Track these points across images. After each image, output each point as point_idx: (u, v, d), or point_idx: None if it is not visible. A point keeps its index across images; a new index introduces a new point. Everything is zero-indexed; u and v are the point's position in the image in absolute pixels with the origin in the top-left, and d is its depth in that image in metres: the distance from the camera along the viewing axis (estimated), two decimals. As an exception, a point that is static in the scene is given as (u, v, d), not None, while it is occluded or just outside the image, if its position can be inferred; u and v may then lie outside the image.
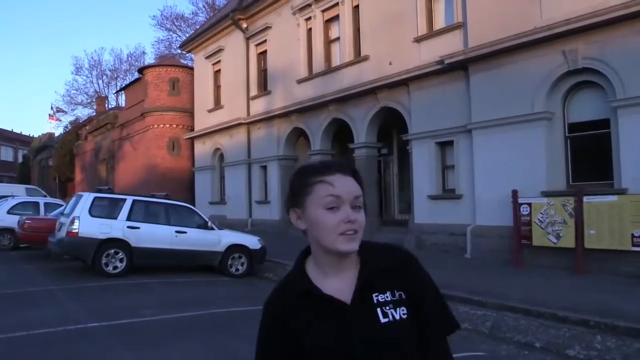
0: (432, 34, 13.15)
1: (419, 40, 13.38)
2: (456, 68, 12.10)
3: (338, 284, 1.34)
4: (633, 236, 8.58)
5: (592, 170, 10.10)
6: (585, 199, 9.25)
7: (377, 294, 1.33)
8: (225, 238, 11.55)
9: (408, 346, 1.31)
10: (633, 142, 8.97)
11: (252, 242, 11.71)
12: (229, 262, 11.37)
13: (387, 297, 1.33)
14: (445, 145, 12.88)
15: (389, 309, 1.31)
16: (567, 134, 10.39)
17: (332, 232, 1.30)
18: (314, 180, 1.33)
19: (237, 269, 11.40)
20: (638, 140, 8.90)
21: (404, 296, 1.34)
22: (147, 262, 10.95)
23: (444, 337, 1.37)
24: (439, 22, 13.27)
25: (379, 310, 1.31)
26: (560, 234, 9.60)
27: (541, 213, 9.91)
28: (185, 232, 11.12)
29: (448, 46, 12.33)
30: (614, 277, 8.71)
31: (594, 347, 5.63)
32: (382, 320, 1.30)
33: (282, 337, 1.34)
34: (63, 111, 47.42)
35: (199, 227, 11.37)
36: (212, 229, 11.50)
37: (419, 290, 1.36)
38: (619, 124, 9.22)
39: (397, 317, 1.31)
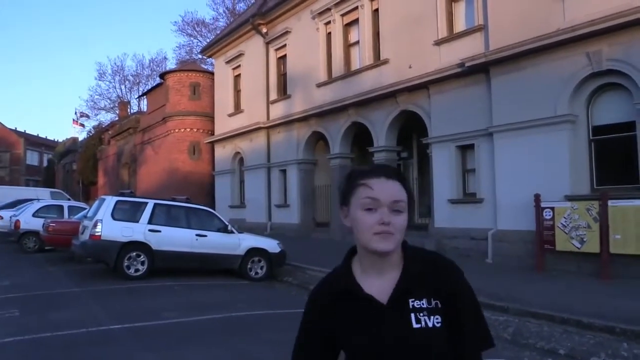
0: (452, 36, 13.06)
1: (439, 43, 13.30)
2: (477, 71, 11.99)
3: (379, 284, 1.41)
4: (660, 241, 8.38)
5: (617, 173, 9.90)
6: (610, 203, 9.07)
7: (413, 299, 1.38)
8: (245, 241, 11.59)
9: (438, 354, 1.35)
10: (660, 145, 8.78)
11: (272, 245, 11.73)
12: (249, 266, 11.40)
13: (423, 304, 1.38)
14: (466, 149, 12.76)
15: (422, 316, 1.36)
16: (591, 137, 10.21)
17: (368, 231, 1.38)
18: (358, 183, 1.42)
19: (256, 273, 11.43)
20: (665, 143, 8.70)
21: (439, 305, 1.38)
22: (168, 265, 11.04)
23: (477, 352, 1.41)
24: (460, 25, 13.17)
25: (412, 315, 1.36)
26: (584, 239, 9.43)
27: (564, 217, 9.75)
28: (205, 236, 11.19)
29: (469, 49, 12.23)
30: (640, 283, 8.51)
31: (620, 354, 5.50)
32: (415, 325, 1.35)
33: (321, 329, 1.44)
34: (86, 116, 48.20)
35: (219, 230, 11.43)
36: (232, 232, 11.55)
37: (457, 302, 1.40)
38: (645, 127, 9.02)
39: (430, 324, 1.36)
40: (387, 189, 1.38)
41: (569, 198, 9.97)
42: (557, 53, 10.29)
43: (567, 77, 10.14)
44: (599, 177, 10.11)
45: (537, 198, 10.22)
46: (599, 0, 9.53)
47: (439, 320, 1.37)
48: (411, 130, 15.76)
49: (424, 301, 1.38)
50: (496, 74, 11.54)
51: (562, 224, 9.78)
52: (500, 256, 11.19)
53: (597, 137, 10.17)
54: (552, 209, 9.98)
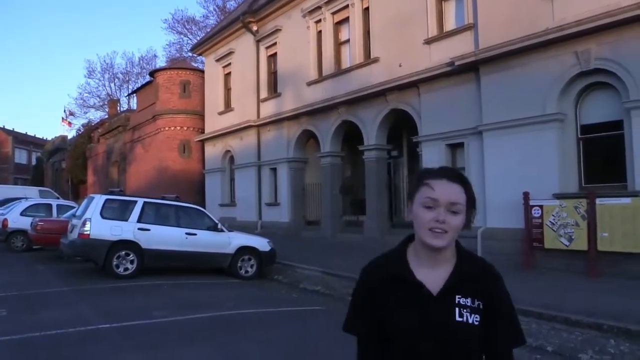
0: (442, 35, 13.10)
1: (429, 41, 13.33)
2: (467, 69, 12.04)
3: (430, 275, 1.54)
4: (647, 239, 8.47)
5: (604, 172, 9.99)
6: (598, 201, 9.15)
7: (460, 296, 1.53)
8: (235, 240, 11.57)
9: (473, 349, 1.52)
10: (647, 143, 8.86)
11: (262, 244, 11.72)
12: (239, 264, 11.39)
13: (467, 301, 1.53)
14: (455, 147, 12.81)
15: (465, 312, 1.51)
16: (579, 136, 10.29)
17: (424, 226, 1.51)
18: (422, 182, 1.55)
19: (246, 271, 11.41)
20: (652, 141, 8.78)
21: (481, 306, 1.54)
22: (157, 264, 11.00)
23: (510, 349, 1.57)
24: (450, 24, 13.21)
25: (457, 309, 1.51)
26: (573, 237, 9.50)
27: (553, 215, 9.82)
28: (195, 234, 11.16)
29: (458, 48, 12.27)
30: (627, 281, 8.59)
31: (607, 351, 5.55)
32: (457, 319, 1.50)
33: (370, 306, 1.56)
34: (74, 115, 47.83)
35: (209, 229, 11.40)
36: (222, 231, 11.52)
37: (497, 305, 1.55)
38: (633, 126, 9.11)
39: (471, 321, 1.51)
40: (446, 191, 1.51)
41: (558, 196, 10.04)
42: (546, 52, 10.36)
43: (556, 76, 10.21)
44: (587, 175, 10.19)
45: (526, 196, 10.29)
46: (587, -1, 9.60)
47: (478, 319, 1.52)
48: (401, 128, 15.80)
49: (469, 299, 1.53)
50: (486, 73, 11.59)
51: (550, 222, 9.85)
52: (489, 254, 11.20)
53: (585, 135, 10.25)
54: (541, 207, 10.05)
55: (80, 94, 70.84)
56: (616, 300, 7.20)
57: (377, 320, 1.55)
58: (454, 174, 1.56)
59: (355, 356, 1.63)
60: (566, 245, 9.61)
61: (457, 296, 1.52)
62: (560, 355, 5.65)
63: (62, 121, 46.31)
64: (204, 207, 16.99)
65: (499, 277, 1.60)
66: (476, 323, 1.51)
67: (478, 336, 1.51)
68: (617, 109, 9.61)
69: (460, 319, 1.50)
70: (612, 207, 8.98)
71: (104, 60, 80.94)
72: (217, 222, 11.72)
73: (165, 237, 10.95)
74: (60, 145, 49.87)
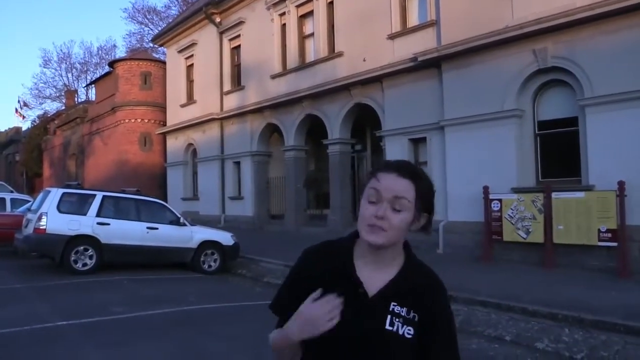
0: (405, 31, 13.22)
1: (392, 37, 13.44)
2: (429, 65, 12.20)
3: (372, 276, 1.42)
4: (599, 231, 8.80)
5: (560, 167, 10.31)
6: (553, 195, 9.45)
7: (395, 303, 1.41)
8: (198, 234, 11.44)
9: None
10: (600, 140, 9.19)
11: (225, 238, 11.62)
12: (202, 259, 11.26)
13: (402, 311, 1.41)
14: (418, 142, 12.98)
15: (397, 321, 1.39)
16: (536, 132, 10.58)
17: (363, 221, 1.39)
18: (371, 173, 1.44)
19: (209, 266, 11.31)
20: (604, 138, 9.11)
21: (416, 319, 1.41)
22: (117, 259, 10.77)
23: None
24: (413, 20, 13.35)
25: (389, 317, 1.39)
26: (530, 230, 9.78)
27: (511, 209, 10.08)
28: (156, 229, 10.97)
29: (421, 44, 12.42)
30: (581, 271, 8.92)
31: (562, 339, 5.75)
32: (387, 327, 1.38)
33: (306, 288, 1.41)
34: (29, 106, 46.22)
35: (170, 223, 11.23)
36: (184, 225, 11.37)
37: (436, 322, 1.42)
38: (587, 122, 9.43)
39: (401, 332, 1.39)
40: (391, 185, 1.38)
41: (516, 190, 10.32)
42: (505, 50, 10.59)
43: (514, 73, 10.46)
44: (543, 170, 10.50)
45: (485, 190, 10.52)
46: (545, -1, 9.85)
47: (411, 332, 1.39)
48: (365, 123, 15.91)
49: (405, 309, 1.41)
50: (447, 69, 11.77)
51: (509, 215, 10.11)
52: (450, 247, 11.47)
53: (542, 131, 10.55)
54: (500, 200, 10.30)
55: (36, 84, 68.81)
56: (571, 291, 7.46)
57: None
58: (408, 169, 1.42)
59: None
60: (524, 238, 9.89)
61: (392, 303, 1.40)
62: (518, 344, 5.83)
63: (16, 113, 44.67)
64: (166, 201, 16.72)
65: (444, 292, 1.48)
66: (408, 335, 1.39)
67: (407, 350, 1.39)
68: (572, 106, 9.92)
69: (390, 328, 1.38)
70: (567, 200, 9.28)
71: (61, 50, 78.45)
72: (179, 216, 11.55)
73: (126, 231, 10.72)
74: (14, 137, 48.16)
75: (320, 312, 1.34)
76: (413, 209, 1.40)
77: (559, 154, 10.43)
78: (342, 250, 1.47)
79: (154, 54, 33.00)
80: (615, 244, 8.64)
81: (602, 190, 8.94)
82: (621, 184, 8.59)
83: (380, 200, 1.38)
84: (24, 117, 45.57)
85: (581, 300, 6.81)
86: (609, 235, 8.69)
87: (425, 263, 1.52)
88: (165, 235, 11.03)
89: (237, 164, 19.95)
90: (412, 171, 1.42)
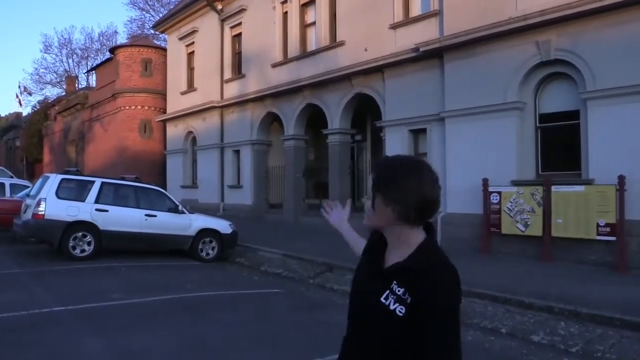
0: (408, 21, 13.13)
1: (395, 27, 13.35)
2: (431, 56, 12.12)
3: (390, 254, 1.64)
4: (598, 225, 8.79)
5: (561, 160, 10.28)
6: (553, 188, 9.43)
7: (396, 283, 1.55)
8: (196, 222, 11.44)
9: (388, 334, 1.53)
10: (601, 133, 9.15)
11: (224, 226, 11.62)
12: (200, 247, 11.28)
13: (399, 290, 1.54)
14: (418, 133, 12.94)
15: (391, 297, 1.54)
16: (537, 124, 10.54)
17: None
18: None
19: (207, 254, 11.32)
20: (606, 132, 9.08)
21: (409, 301, 1.51)
22: (115, 246, 10.78)
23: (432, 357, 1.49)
24: (416, 10, 13.24)
25: (386, 292, 1.55)
26: (529, 223, 9.78)
27: (510, 202, 10.07)
28: (155, 216, 10.97)
29: (424, 34, 12.33)
30: (579, 265, 8.92)
31: (557, 332, 5.76)
32: (382, 299, 1.55)
33: (365, 253, 1.78)
34: (29, 92, 46.02)
35: (169, 210, 11.23)
36: (182, 212, 11.37)
37: (427, 308, 1.48)
38: (588, 116, 9.38)
39: (392, 308, 1.52)
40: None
41: (515, 183, 10.29)
42: (508, 41, 10.51)
43: (517, 65, 10.39)
44: (543, 163, 10.47)
45: (485, 182, 10.50)
46: (549, -10, 9.76)
47: (403, 311, 1.50)
48: (365, 113, 15.85)
49: (402, 290, 1.53)
50: (449, 60, 11.70)
51: (508, 208, 10.10)
52: (448, 239, 11.42)
53: (543, 124, 10.51)
54: (499, 193, 10.28)
55: (36, 69, 68.31)
56: (567, 284, 7.47)
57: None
58: (378, 162, 1.73)
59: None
60: (522, 231, 9.88)
61: (394, 282, 1.55)
62: (514, 337, 5.84)
63: (16, 98, 44.53)
64: (165, 189, 16.71)
65: (443, 284, 1.51)
66: (399, 313, 1.50)
67: (396, 325, 1.50)
68: (574, 99, 9.87)
69: (384, 302, 1.53)
70: (567, 194, 9.26)
71: (62, 35, 77.99)
72: (177, 203, 11.55)
73: (124, 218, 10.72)
74: (14, 122, 48.06)
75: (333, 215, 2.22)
76: (373, 196, 1.63)
77: (560, 147, 10.39)
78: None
79: (155, 41, 32.81)
80: (613, 238, 8.63)
81: (602, 184, 8.92)
82: (621, 179, 8.57)
83: None
84: (21, 104, 45.38)
85: (578, 293, 6.82)
86: (608, 229, 8.68)
87: (442, 252, 1.61)
88: (164, 222, 11.03)
89: (237, 152, 19.90)
90: (377, 164, 1.71)
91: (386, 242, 1.66)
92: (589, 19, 9.29)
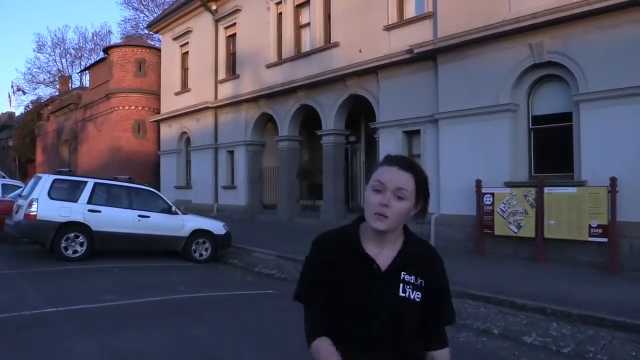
0: (402, 22, 13.16)
1: (389, 28, 13.38)
2: (425, 58, 12.15)
3: (378, 253, 1.66)
4: (590, 227, 8.84)
5: (553, 162, 10.32)
6: (546, 190, 9.47)
7: (405, 273, 1.66)
8: (190, 223, 11.41)
9: (412, 321, 1.66)
10: (593, 135, 9.20)
11: (217, 227, 11.60)
12: (193, 248, 11.25)
13: (411, 279, 1.66)
14: (412, 134, 12.96)
15: (408, 288, 1.65)
16: (530, 126, 10.58)
17: (369, 209, 1.61)
18: (377, 167, 1.67)
19: (201, 255, 11.29)
20: (598, 133, 9.13)
21: (423, 284, 1.67)
22: (108, 247, 10.74)
23: (444, 326, 1.77)
24: (410, 11, 13.28)
25: (402, 285, 1.65)
26: (521, 224, 9.81)
27: (503, 203, 10.10)
28: (148, 217, 10.93)
29: (418, 36, 12.36)
30: (571, 266, 8.96)
31: (549, 333, 5.79)
32: (401, 294, 1.64)
33: (326, 272, 1.65)
34: (22, 91, 45.77)
35: (162, 211, 11.19)
36: (176, 213, 11.33)
37: (437, 285, 1.70)
38: (581, 118, 9.43)
39: (412, 297, 1.65)
40: (394, 177, 1.60)
41: (508, 184, 10.33)
42: (501, 43, 10.56)
43: (510, 67, 10.44)
44: (536, 164, 10.51)
45: (478, 184, 10.54)
46: (542, -7, 9.81)
47: (420, 296, 1.66)
48: (360, 114, 15.87)
49: (413, 277, 1.66)
50: (443, 62, 11.74)
51: (501, 209, 10.14)
52: (442, 240, 11.48)
53: (536, 126, 10.55)
54: (492, 194, 10.32)
55: (29, 69, 68.12)
56: (560, 286, 7.50)
57: (329, 290, 1.64)
58: (406, 163, 1.64)
59: (304, 331, 1.68)
60: (515, 232, 9.92)
61: (402, 273, 1.65)
62: (506, 338, 5.86)
63: (9, 98, 44.27)
64: (159, 189, 16.65)
65: (441, 260, 1.74)
66: (417, 299, 1.65)
67: (418, 311, 1.66)
68: (567, 101, 9.92)
69: (404, 295, 1.63)
70: (559, 196, 9.31)
71: (55, 35, 77.48)
72: (170, 204, 11.51)
73: (117, 219, 10.67)
74: (7, 122, 47.79)
75: None
76: (412, 198, 1.62)
77: (553, 149, 10.44)
78: (351, 235, 1.69)
79: (149, 41, 32.72)
80: (605, 239, 8.68)
81: (594, 186, 8.97)
82: (613, 180, 8.62)
83: (384, 190, 1.59)
84: (11, 102, 45.16)
85: (570, 294, 6.85)
86: (600, 231, 8.73)
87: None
88: (157, 223, 10.99)
89: (231, 153, 19.88)
90: (411, 165, 1.65)
91: (349, 247, 1.65)
92: (581, 22, 9.35)
